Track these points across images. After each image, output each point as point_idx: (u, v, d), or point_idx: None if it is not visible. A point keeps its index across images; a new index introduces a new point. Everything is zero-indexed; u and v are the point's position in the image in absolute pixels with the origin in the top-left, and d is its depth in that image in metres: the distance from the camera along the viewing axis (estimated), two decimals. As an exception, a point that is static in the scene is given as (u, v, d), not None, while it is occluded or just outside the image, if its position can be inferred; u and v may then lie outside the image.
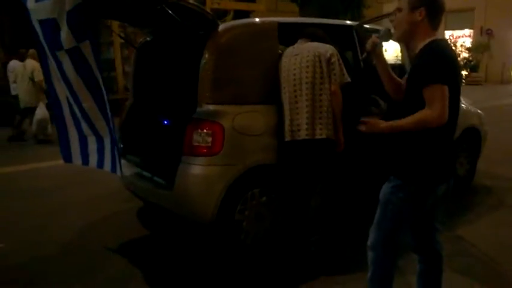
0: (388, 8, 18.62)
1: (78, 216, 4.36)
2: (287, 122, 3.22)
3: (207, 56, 3.22)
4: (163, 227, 4.15)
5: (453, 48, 2.13)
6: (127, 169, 4.02)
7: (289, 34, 3.51)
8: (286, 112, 3.24)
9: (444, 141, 2.15)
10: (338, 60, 3.22)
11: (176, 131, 3.45)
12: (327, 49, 3.22)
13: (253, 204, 3.36)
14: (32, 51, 8.08)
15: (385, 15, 3.44)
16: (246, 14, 5.29)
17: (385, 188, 2.25)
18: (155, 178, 3.67)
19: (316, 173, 3.27)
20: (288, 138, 3.22)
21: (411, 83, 2.14)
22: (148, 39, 4.27)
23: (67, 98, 3.10)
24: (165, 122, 4.16)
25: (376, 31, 4.10)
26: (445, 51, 2.09)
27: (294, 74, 3.22)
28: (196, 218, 3.24)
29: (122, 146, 4.26)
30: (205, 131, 3.16)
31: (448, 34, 23.17)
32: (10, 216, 4.43)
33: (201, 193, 3.17)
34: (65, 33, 2.72)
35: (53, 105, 3.36)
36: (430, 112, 1.96)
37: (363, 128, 2.18)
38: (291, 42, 3.45)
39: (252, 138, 3.27)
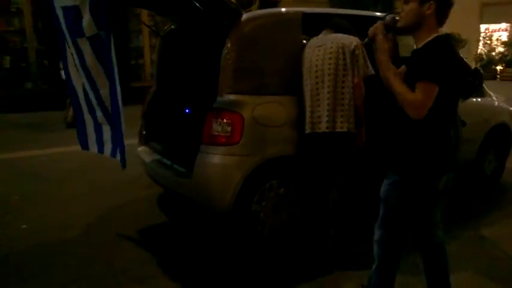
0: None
1: (99, 201, 4.44)
2: (308, 114, 3.18)
3: (229, 45, 3.21)
4: (181, 215, 4.19)
5: (454, 46, 2.14)
6: (148, 156, 4.08)
7: (313, 25, 3.45)
8: (307, 104, 3.20)
9: (441, 137, 2.14)
10: (362, 52, 3.14)
11: (197, 120, 3.46)
12: (351, 40, 3.15)
13: (271, 196, 3.35)
14: None
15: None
16: (273, 4, 5.22)
17: (384, 185, 2.28)
18: (175, 166, 3.70)
19: (335, 166, 3.23)
20: (308, 130, 3.19)
21: (410, 76, 2.12)
22: (173, 27, 4.29)
23: (83, 86, 3.14)
24: (187, 110, 4.19)
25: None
26: (448, 50, 2.07)
27: (317, 66, 3.17)
28: (214, 206, 3.26)
29: (144, 132, 4.32)
30: (224, 120, 3.15)
31: (483, 28, 22.41)
32: (34, 199, 4.54)
33: (219, 182, 3.17)
34: (86, 21, 2.76)
35: (70, 94, 3.40)
36: (412, 98, 1.99)
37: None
38: (316, 33, 3.39)
39: (271, 129, 3.25)
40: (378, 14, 4.10)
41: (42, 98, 9.80)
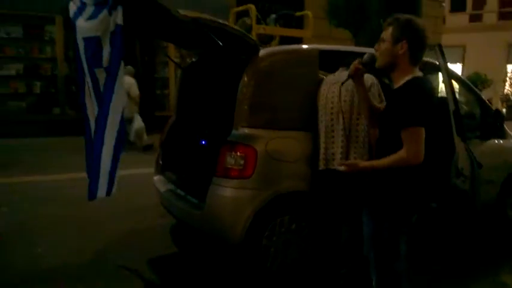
0: (447, 39, 18.18)
1: (114, 228, 4.47)
2: (322, 150, 3.18)
3: (245, 79, 3.26)
4: (193, 246, 4.16)
5: (431, 85, 2.21)
6: (163, 186, 4.11)
7: (330, 61, 3.49)
8: (322, 140, 3.19)
9: (418, 171, 2.16)
10: (378, 90, 3.15)
11: (212, 152, 3.49)
12: (366, 78, 3.16)
13: (282, 231, 3.31)
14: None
15: (433, 47, 3.35)
16: (295, 40, 5.32)
17: (365, 221, 2.40)
18: (188, 197, 3.71)
19: (348, 204, 3.18)
20: (321, 166, 3.17)
21: (389, 118, 2.20)
22: (194, 60, 4.40)
23: (96, 116, 3.17)
24: (203, 142, 4.23)
25: (426, 63, 3.99)
26: (425, 91, 2.10)
27: (332, 102, 3.18)
28: (224, 238, 3.24)
29: (161, 162, 4.37)
30: (238, 153, 3.17)
31: (510, 68, 22.15)
32: (52, 222, 4.61)
33: (230, 214, 3.17)
34: (106, 52, 2.84)
35: (85, 125, 3.39)
36: (407, 154, 2.06)
37: (342, 168, 2.26)
38: (333, 69, 3.42)
39: (284, 164, 3.25)
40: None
41: (69, 124, 10.06)
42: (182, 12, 2.99)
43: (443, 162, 3.07)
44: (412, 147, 2.05)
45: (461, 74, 20.44)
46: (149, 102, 11.87)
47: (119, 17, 2.78)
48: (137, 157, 7.63)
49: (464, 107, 4.52)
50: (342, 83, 2.66)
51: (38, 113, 10.29)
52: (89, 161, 3.28)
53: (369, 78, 3.16)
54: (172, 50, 10.81)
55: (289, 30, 5.20)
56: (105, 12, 2.87)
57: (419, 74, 2.19)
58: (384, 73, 2.49)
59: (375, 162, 2.20)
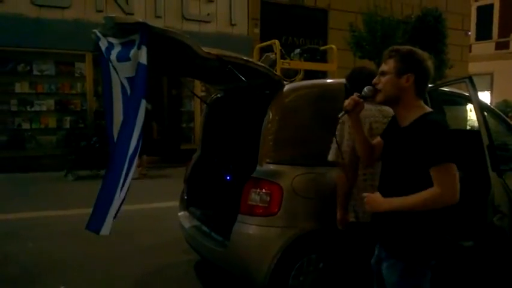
0: (474, 67, 17.94)
1: (139, 264, 4.43)
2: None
3: (270, 115, 3.24)
4: (218, 285, 4.07)
5: (446, 122, 2.05)
6: (188, 222, 4.07)
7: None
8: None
9: (437, 214, 2.01)
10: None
11: (236, 188, 3.44)
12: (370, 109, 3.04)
13: (310, 271, 3.20)
14: None
15: (460, 79, 3.27)
16: (321, 73, 5.32)
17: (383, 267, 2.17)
18: (213, 234, 3.65)
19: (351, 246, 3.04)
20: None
21: (397, 157, 2.05)
22: (219, 95, 4.41)
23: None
24: (227, 178, 4.19)
25: (455, 95, 3.89)
26: (447, 127, 1.98)
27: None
28: (249, 279, 3.15)
29: (186, 197, 4.34)
30: (263, 190, 3.12)
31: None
32: (77, 258, 4.60)
33: (255, 254, 3.09)
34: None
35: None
36: (442, 192, 1.88)
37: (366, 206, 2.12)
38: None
39: (310, 201, 3.16)
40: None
41: (97, 157, 10.22)
42: (206, 49, 3.01)
43: (478, 199, 2.94)
44: (448, 185, 1.88)
45: (490, 102, 20.14)
46: (175, 135, 12.01)
47: (142, 57, 2.82)
48: (161, 190, 7.67)
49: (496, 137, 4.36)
50: (339, 118, 2.45)
51: (66, 147, 10.49)
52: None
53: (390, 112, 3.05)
54: (198, 84, 10.98)
55: (314, 64, 5.20)
56: (134, 51, 2.91)
57: (427, 108, 2.08)
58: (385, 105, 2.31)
59: (399, 202, 2.01)
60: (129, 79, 3.09)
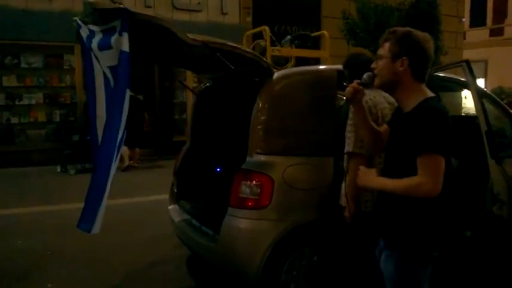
0: (468, 54, 17.82)
1: (128, 259, 4.32)
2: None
3: (259, 103, 3.10)
4: (209, 280, 3.96)
5: (445, 108, 1.96)
6: (178, 215, 3.95)
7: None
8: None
9: (439, 204, 1.92)
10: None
11: (227, 180, 3.31)
12: (379, 95, 2.93)
13: (303, 264, 3.09)
14: None
15: (456, 64, 3.15)
16: (312, 60, 5.15)
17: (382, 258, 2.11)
18: (203, 228, 3.53)
19: (364, 238, 2.93)
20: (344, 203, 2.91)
21: (399, 145, 1.97)
22: (208, 85, 4.27)
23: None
24: (218, 170, 4.07)
25: (451, 80, 3.77)
26: (445, 115, 1.86)
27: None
28: (240, 274, 3.04)
29: (176, 190, 4.22)
30: (254, 182, 2.99)
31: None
32: (64, 254, 4.48)
33: (246, 248, 2.98)
34: None
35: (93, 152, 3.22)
36: (423, 182, 1.80)
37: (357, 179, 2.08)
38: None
39: (303, 193, 3.04)
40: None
41: (89, 150, 10.07)
42: (191, 36, 2.86)
43: (477, 188, 2.83)
44: (430, 177, 1.79)
45: (485, 89, 20.04)
46: (167, 127, 11.85)
47: (124, 44, 2.68)
48: (153, 182, 7.54)
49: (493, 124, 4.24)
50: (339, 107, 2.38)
51: (57, 141, 10.33)
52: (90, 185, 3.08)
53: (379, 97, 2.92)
54: (190, 74, 10.81)
55: (305, 51, 5.05)
56: (115, 38, 2.77)
57: (430, 93, 1.97)
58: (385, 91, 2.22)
59: (385, 183, 1.95)
60: (111, 68, 2.95)
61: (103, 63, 2.99)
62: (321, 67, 3.48)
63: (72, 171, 9.06)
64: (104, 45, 2.89)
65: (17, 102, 10.30)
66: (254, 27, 11.42)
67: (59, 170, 9.25)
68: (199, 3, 11.98)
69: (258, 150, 3.06)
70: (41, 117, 10.53)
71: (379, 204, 2.14)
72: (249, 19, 12.50)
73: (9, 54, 10.20)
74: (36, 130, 10.53)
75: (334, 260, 3.14)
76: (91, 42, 3.04)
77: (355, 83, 2.14)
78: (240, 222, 2.98)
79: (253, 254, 2.93)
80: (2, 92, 10.21)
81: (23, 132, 10.41)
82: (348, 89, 2.15)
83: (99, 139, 3.05)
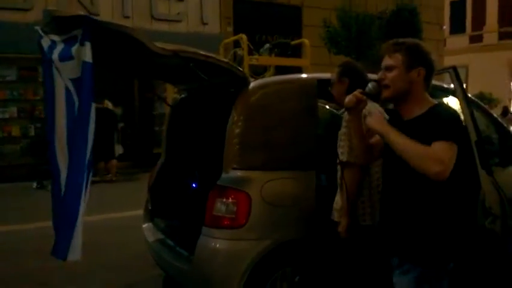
0: (449, 61, 17.98)
1: (101, 283, 4.10)
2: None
3: (234, 115, 2.92)
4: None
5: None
6: (152, 235, 3.72)
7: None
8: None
9: (457, 209, 1.93)
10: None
11: (203, 197, 3.11)
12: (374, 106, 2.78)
13: (284, 286, 2.89)
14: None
15: (445, 70, 3.01)
16: (293, 69, 4.98)
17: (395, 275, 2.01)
18: (177, 248, 3.31)
19: (362, 253, 2.75)
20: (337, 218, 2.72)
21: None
22: (183, 96, 4.07)
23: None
24: (193, 186, 3.86)
25: (440, 88, 3.62)
26: (460, 118, 1.95)
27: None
28: (216, 299, 2.82)
29: (150, 208, 3.99)
30: (229, 200, 2.79)
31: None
32: (41, 275, 4.25)
33: (222, 271, 2.77)
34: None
35: (51, 171, 3.01)
36: (438, 158, 1.75)
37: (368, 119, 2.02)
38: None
39: (283, 210, 2.85)
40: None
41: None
42: (160, 45, 2.67)
43: (468, 201, 2.67)
44: (446, 157, 1.76)
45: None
46: (147, 139, 11.60)
47: (87, 54, 2.49)
48: (131, 196, 7.28)
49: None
50: (340, 114, 2.30)
51: (32, 156, 10.00)
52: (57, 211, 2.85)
53: (371, 107, 2.78)
54: (169, 85, 10.59)
55: (284, 59, 4.89)
56: (76, 48, 2.58)
57: (433, 100, 2.02)
58: (391, 102, 2.16)
59: (396, 136, 1.87)
60: (73, 81, 2.76)
61: (64, 75, 2.78)
62: (301, 76, 3.32)
63: (49, 187, 8.73)
64: (65, 56, 2.70)
65: (-10, 116, 9.99)
66: (235, 35, 11.32)
67: (35, 186, 8.92)
68: (178, 13, 11.84)
69: (234, 166, 2.87)
70: (15, 131, 10.26)
71: (387, 219, 2.06)
72: (230, 29, 12.39)
73: (-19, 67, 9.90)
74: (10, 145, 10.21)
75: (318, 280, 2.95)
76: (52, 53, 2.84)
77: (357, 92, 2.10)
78: (216, 243, 2.78)
79: (230, 277, 2.73)
80: (-25, 105, 9.90)
81: (-2, 147, 10.09)
82: (349, 97, 2.11)
83: (58, 160, 2.84)
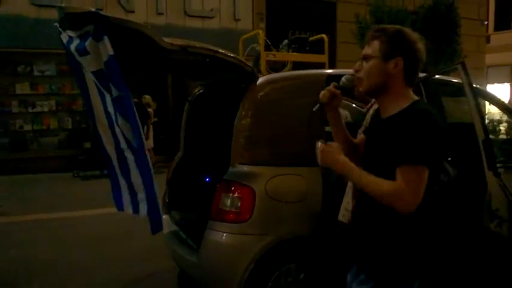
0: (493, 58, 17.31)
1: (119, 271, 4.22)
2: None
3: (242, 111, 2.93)
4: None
5: (437, 114, 1.71)
6: (167, 227, 3.80)
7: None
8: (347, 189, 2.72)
9: (428, 226, 1.72)
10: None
11: (212, 191, 3.15)
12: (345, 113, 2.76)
13: (289, 282, 2.89)
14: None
15: (453, 67, 2.92)
16: (313, 66, 4.90)
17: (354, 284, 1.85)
18: (189, 241, 3.37)
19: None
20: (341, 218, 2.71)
21: (377, 155, 1.73)
22: (201, 91, 4.13)
23: (115, 144, 2.94)
24: (207, 179, 3.91)
25: (448, 84, 3.55)
26: (435, 120, 1.62)
27: None
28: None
29: (167, 200, 4.08)
30: (235, 194, 2.82)
31: (489, 88, 20.90)
32: (57, 265, 4.38)
33: (226, 265, 2.80)
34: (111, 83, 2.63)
35: (103, 155, 3.20)
36: (405, 190, 1.56)
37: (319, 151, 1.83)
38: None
39: (288, 205, 2.85)
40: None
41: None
42: (169, 40, 2.72)
43: (473, 203, 2.58)
44: (414, 189, 1.56)
45: (511, 94, 19.49)
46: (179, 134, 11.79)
47: (107, 47, 2.56)
48: (162, 189, 7.43)
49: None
50: (313, 111, 2.07)
51: (69, 148, 10.39)
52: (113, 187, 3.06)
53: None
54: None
55: (302, 55, 4.84)
56: (90, 42, 2.67)
57: (415, 97, 1.76)
58: (367, 97, 1.99)
59: (355, 172, 1.71)
60: (94, 73, 2.86)
61: (87, 68, 2.90)
62: (310, 71, 3.30)
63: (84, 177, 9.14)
64: (82, 51, 2.80)
65: (29, 110, 10.44)
66: (268, 33, 11.29)
67: (72, 176, 9.30)
68: (211, 9, 11.92)
69: (240, 160, 2.89)
70: (53, 124, 10.66)
71: (356, 223, 1.92)
72: (263, 25, 12.35)
73: (22, 62, 10.37)
74: (48, 137, 10.63)
75: (323, 278, 2.94)
76: (70, 48, 2.95)
77: (331, 87, 1.94)
78: (220, 237, 2.81)
79: (234, 271, 2.75)
80: (15, 99, 10.37)
81: (35, 139, 10.52)
82: (323, 92, 1.95)
83: (105, 144, 3.01)
